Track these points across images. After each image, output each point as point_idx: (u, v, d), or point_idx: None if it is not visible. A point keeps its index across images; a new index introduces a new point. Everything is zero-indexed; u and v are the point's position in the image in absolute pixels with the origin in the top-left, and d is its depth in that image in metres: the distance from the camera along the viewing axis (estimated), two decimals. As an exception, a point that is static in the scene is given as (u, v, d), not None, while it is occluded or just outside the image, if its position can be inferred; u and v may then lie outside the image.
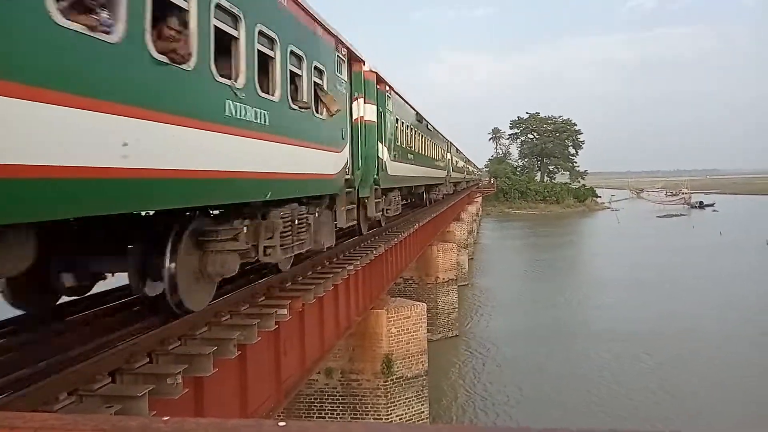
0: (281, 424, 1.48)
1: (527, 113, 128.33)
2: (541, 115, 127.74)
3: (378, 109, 14.00)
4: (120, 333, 5.72)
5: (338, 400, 16.15)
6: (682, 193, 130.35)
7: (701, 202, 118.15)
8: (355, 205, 12.24)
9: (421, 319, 17.51)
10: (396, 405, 16.31)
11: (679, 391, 21.67)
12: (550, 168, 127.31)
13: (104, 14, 4.15)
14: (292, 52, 8.11)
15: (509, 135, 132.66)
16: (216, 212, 7.18)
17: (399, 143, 17.32)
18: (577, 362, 25.14)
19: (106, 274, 6.93)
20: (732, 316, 31.07)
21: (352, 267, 11.75)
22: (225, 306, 7.15)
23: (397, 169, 16.53)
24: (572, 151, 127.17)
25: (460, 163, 54.25)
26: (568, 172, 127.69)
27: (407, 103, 20.39)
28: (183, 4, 5.31)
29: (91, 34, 4.02)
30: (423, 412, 17.02)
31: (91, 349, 5.16)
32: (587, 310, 34.58)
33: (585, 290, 39.73)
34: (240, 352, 6.42)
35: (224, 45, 6.23)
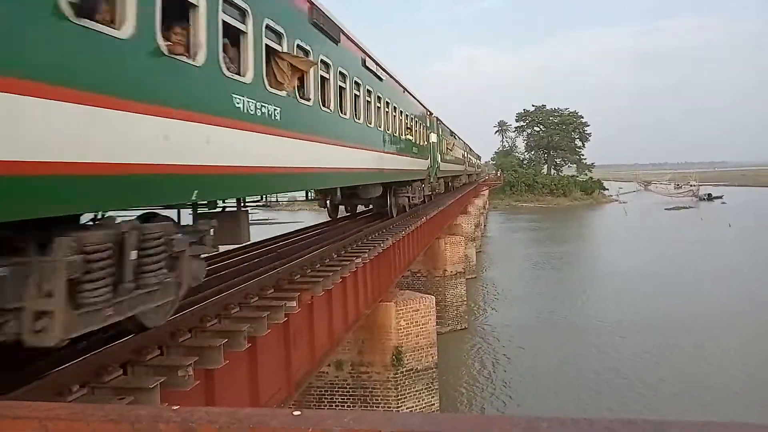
0: (296, 413, 1.40)
1: (533, 106, 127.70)
2: (548, 107, 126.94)
3: None
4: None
5: (348, 392, 16.16)
6: (690, 186, 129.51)
7: (710, 194, 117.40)
8: None
9: (429, 311, 17.48)
10: (406, 397, 16.31)
11: (695, 384, 21.51)
12: (557, 161, 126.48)
13: None
14: None
15: (515, 128, 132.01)
16: None
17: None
18: (587, 355, 25.02)
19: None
20: (747, 308, 30.81)
21: (360, 260, 11.73)
22: (235, 298, 7.14)
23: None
24: (579, 143, 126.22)
25: (457, 152, 42.68)
26: (575, 165, 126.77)
27: None
28: None
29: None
30: (433, 404, 17.02)
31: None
32: (596, 302, 34.35)
33: (594, 282, 39.49)
34: (250, 345, 6.39)
35: None
